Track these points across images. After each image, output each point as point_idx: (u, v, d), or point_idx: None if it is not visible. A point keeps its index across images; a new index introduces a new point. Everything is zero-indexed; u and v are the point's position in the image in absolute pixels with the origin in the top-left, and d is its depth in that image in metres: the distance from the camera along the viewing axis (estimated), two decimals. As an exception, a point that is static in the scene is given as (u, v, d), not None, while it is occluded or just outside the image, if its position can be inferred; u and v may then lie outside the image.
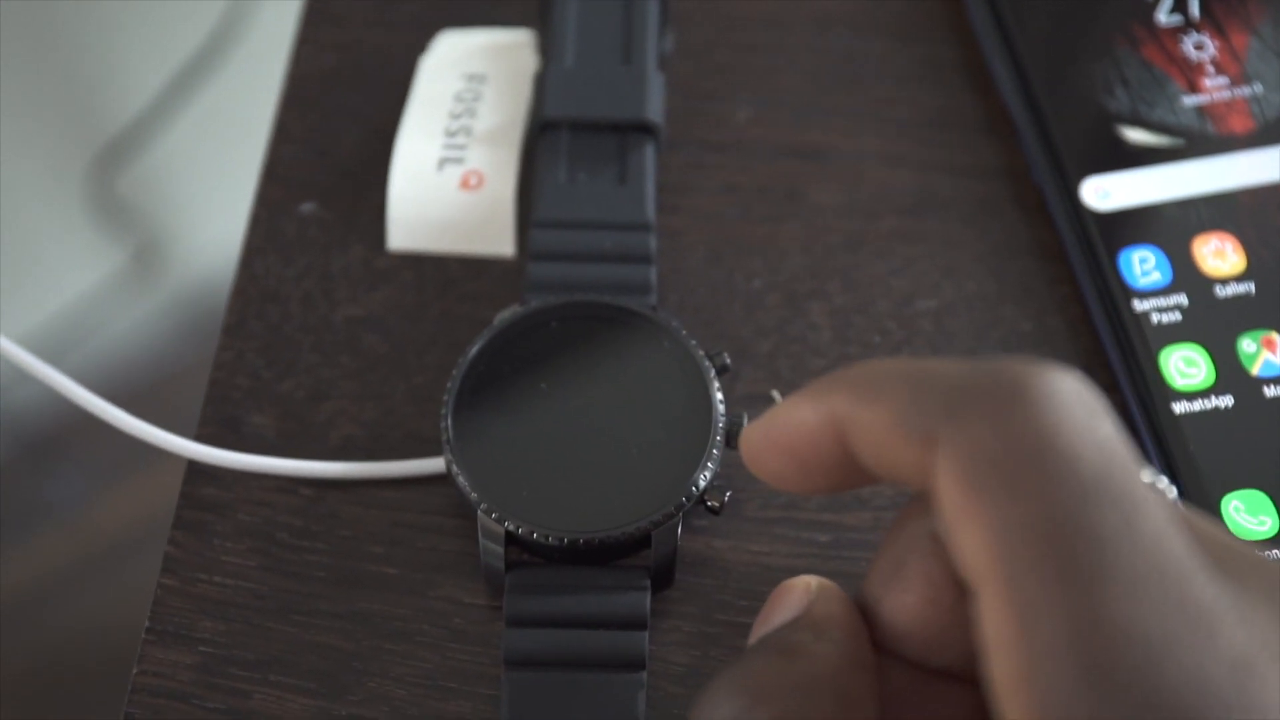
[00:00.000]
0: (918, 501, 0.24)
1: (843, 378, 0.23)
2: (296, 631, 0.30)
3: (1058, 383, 0.20)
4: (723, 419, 0.30)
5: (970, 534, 0.20)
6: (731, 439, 0.30)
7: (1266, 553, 0.29)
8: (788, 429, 0.23)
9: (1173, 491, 0.24)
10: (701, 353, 0.30)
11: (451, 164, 0.35)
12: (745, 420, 0.30)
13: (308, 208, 0.35)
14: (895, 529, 0.25)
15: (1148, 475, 0.20)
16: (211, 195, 0.98)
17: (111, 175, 0.92)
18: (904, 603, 0.24)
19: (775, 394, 0.27)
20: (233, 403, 0.33)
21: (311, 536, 0.31)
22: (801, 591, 0.23)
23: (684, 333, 0.31)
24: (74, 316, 1.00)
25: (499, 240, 0.34)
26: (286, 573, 0.31)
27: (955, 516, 0.20)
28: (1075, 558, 0.19)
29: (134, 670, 0.29)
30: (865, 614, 0.25)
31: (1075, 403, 0.20)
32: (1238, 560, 0.21)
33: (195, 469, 0.32)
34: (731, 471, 0.31)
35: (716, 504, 0.29)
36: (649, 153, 0.34)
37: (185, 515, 0.31)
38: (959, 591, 0.24)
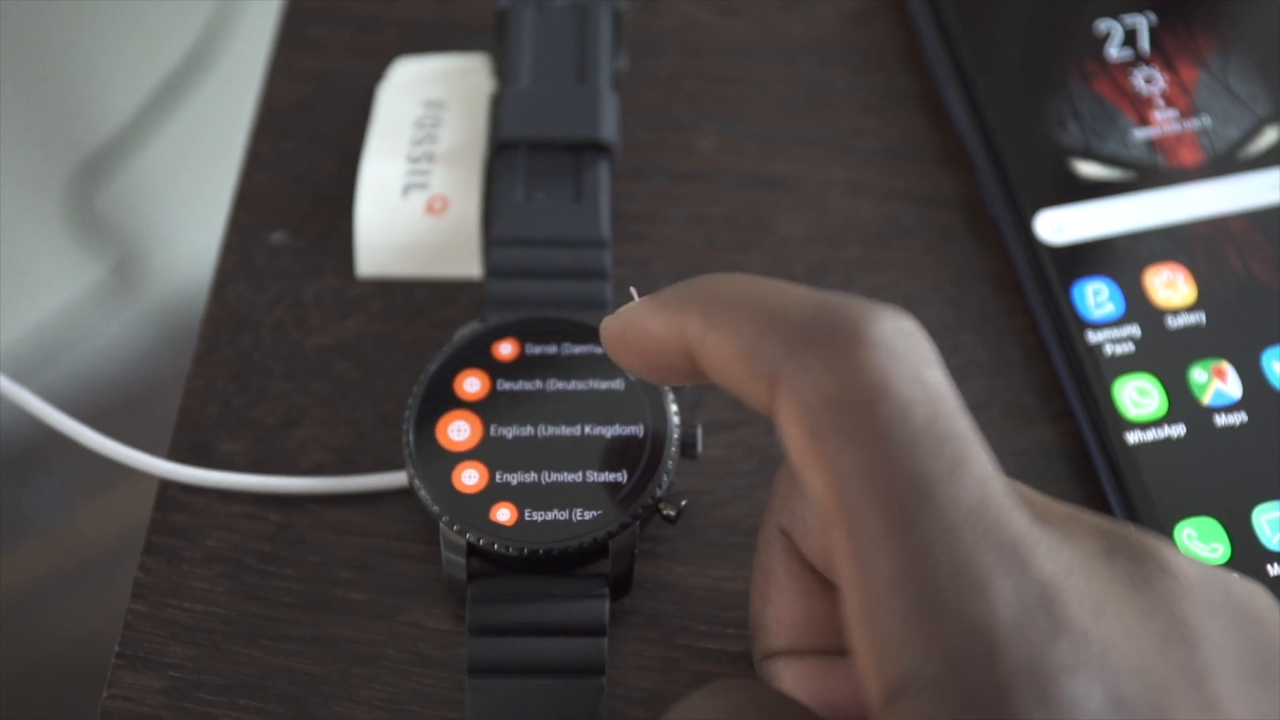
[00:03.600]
0: (769, 508, 0.26)
1: (694, 295, 0.24)
2: (265, 656, 0.30)
3: (892, 328, 0.21)
4: (677, 430, 0.30)
5: (814, 479, 0.21)
6: (686, 450, 0.30)
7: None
8: (641, 334, 0.25)
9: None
10: None
11: (416, 189, 0.35)
12: (699, 432, 0.31)
13: (278, 237, 0.36)
14: (759, 539, 0.26)
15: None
16: (191, 211, 0.98)
17: (90, 191, 0.92)
18: (783, 605, 0.26)
19: (633, 290, 0.29)
20: (204, 429, 0.33)
21: (280, 562, 0.31)
22: None
23: None
24: (53, 331, 1.00)
25: (466, 262, 0.35)
26: (255, 598, 0.31)
27: (800, 460, 0.22)
28: (902, 500, 0.20)
29: (104, 694, 0.30)
30: (757, 632, 0.26)
31: (907, 349, 0.21)
32: (1054, 511, 0.23)
33: (166, 496, 0.32)
34: (687, 482, 0.31)
35: (672, 513, 0.30)
36: (604, 171, 0.35)
37: (155, 541, 0.32)
38: (822, 579, 0.25)
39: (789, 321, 0.22)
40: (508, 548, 0.29)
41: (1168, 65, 0.37)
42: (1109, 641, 0.20)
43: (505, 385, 0.31)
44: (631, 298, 0.26)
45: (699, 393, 0.34)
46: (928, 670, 0.19)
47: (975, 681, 0.19)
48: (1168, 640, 0.21)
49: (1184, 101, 0.36)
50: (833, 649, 0.26)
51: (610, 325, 0.26)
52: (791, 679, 0.26)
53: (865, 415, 0.21)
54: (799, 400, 0.21)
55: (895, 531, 0.20)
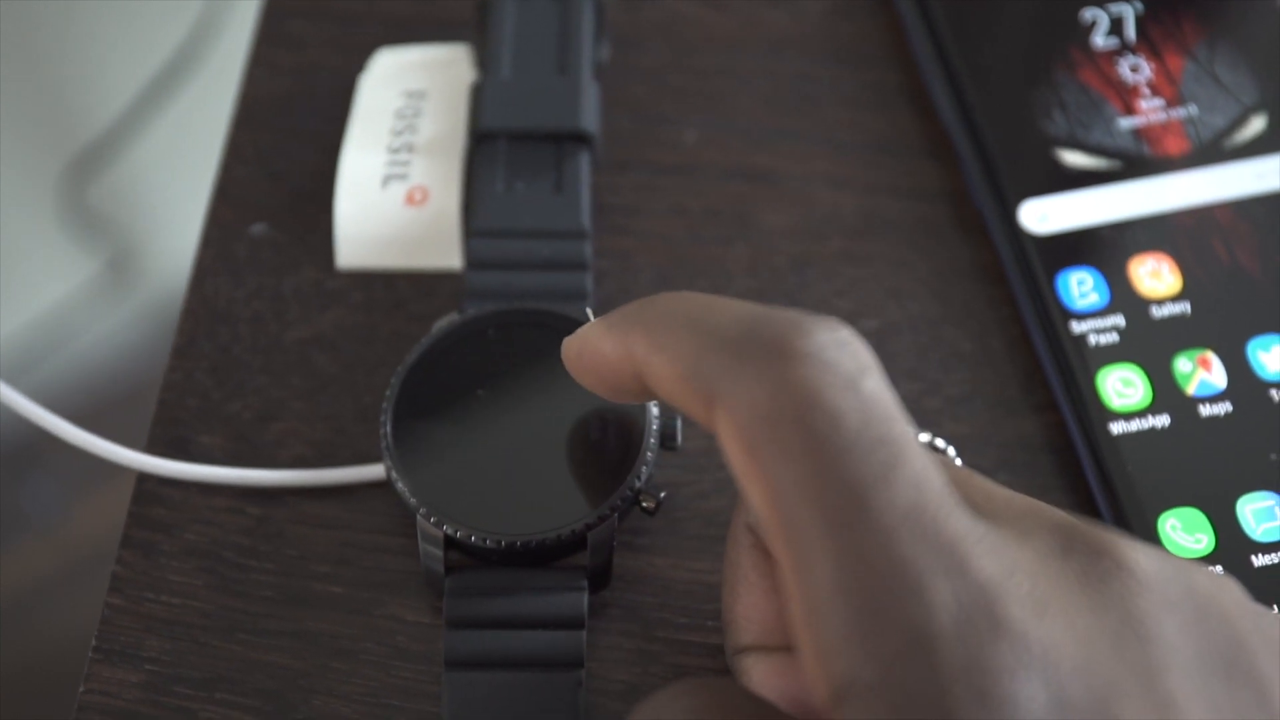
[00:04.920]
0: (738, 506, 0.26)
1: (639, 317, 0.24)
2: (243, 650, 0.30)
3: (824, 339, 0.22)
4: (656, 422, 0.30)
5: (753, 493, 0.21)
6: (665, 442, 0.30)
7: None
8: (594, 356, 0.25)
9: (950, 451, 0.25)
10: None
11: (396, 180, 0.35)
12: (679, 424, 0.30)
13: (259, 229, 0.36)
14: (728, 535, 0.27)
15: (915, 432, 0.22)
16: (183, 205, 0.98)
17: (82, 187, 0.92)
18: (750, 601, 0.26)
19: (589, 310, 0.29)
20: (182, 423, 0.33)
21: (258, 556, 0.31)
22: None
23: None
24: (46, 326, 1.00)
25: (446, 254, 0.35)
26: (233, 592, 0.31)
27: (740, 475, 0.22)
28: (836, 507, 0.20)
29: (81, 689, 0.30)
30: (727, 627, 0.27)
31: (838, 359, 0.21)
32: (1012, 506, 0.23)
33: (144, 490, 0.32)
34: (666, 474, 0.31)
35: (651, 505, 0.30)
36: (584, 161, 0.35)
37: (133, 535, 0.32)
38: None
39: (725, 339, 0.22)
40: (485, 540, 0.29)
41: (1154, 54, 0.37)
42: (1051, 642, 0.20)
43: (483, 377, 0.31)
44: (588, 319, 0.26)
45: (680, 385, 0.33)
46: (866, 674, 0.19)
47: (914, 684, 0.19)
48: (1119, 638, 0.21)
49: (1170, 90, 0.36)
50: None
51: (569, 345, 0.26)
52: (760, 675, 0.26)
53: (797, 427, 0.21)
54: (734, 417, 0.22)
55: (831, 538, 0.20)
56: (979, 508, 0.23)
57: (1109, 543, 0.22)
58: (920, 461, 0.21)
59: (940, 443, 0.25)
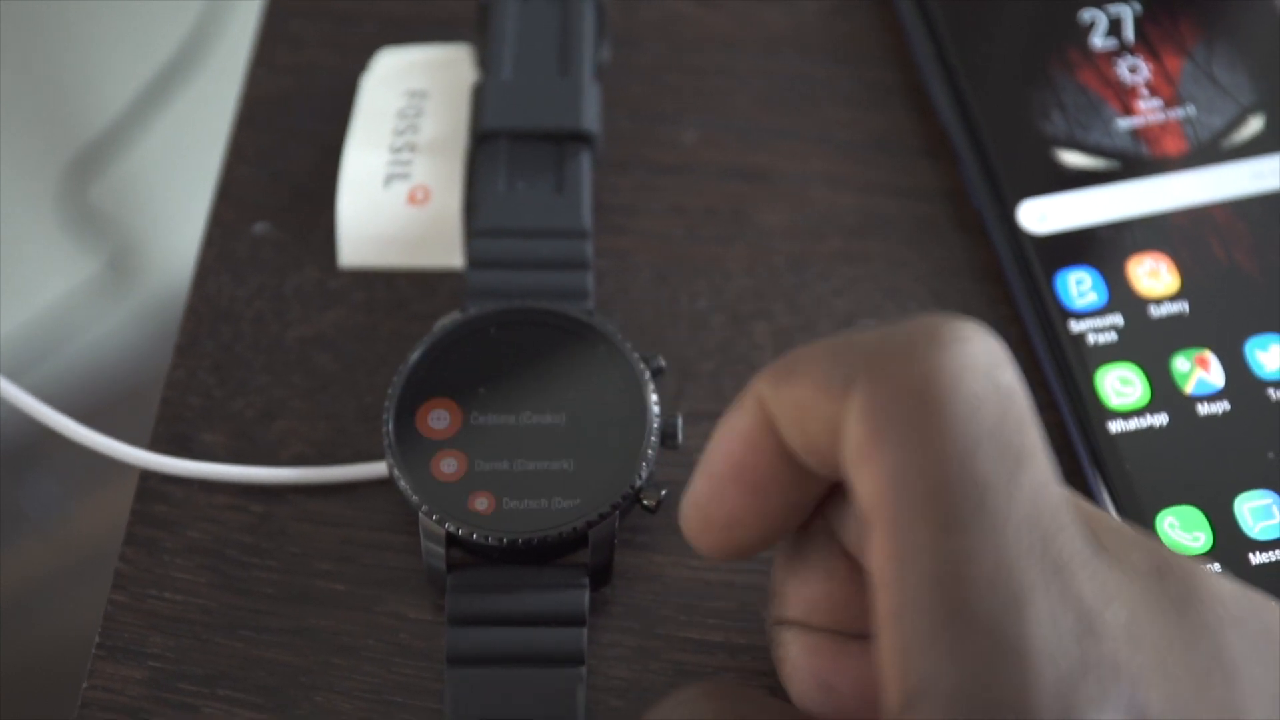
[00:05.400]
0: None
1: (759, 375, 0.23)
2: (245, 647, 0.30)
3: (966, 333, 0.21)
4: (657, 420, 0.30)
5: (866, 476, 0.21)
6: (666, 440, 0.30)
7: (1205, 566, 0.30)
8: (727, 443, 0.24)
9: None
10: (636, 356, 0.31)
11: (398, 180, 0.35)
12: (680, 422, 0.30)
13: (261, 228, 0.36)
14: (798, 532, 0.26)
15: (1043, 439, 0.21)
16: (185, 204, 0.98)
17: (84, 186, 0.93)
18: (806, 578, 0.26)
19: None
20: (184, 421, 0.33)
21: (261, 553, 0.31)
22: None
23: (619, 337, 0.31)
24: (47, 325, 1.00)
25: (448, 253, 0.35)
26: (236, 589, 0.31)
27: (855, 459, 0.21)
28: (954, 503, 0.20)
29: (84, 685, 0.30)
30: (774, 596, 0.26)
31: (980, 351, 0.21)
32: (1111, 530, 0.22)
33: (146, 487, 0.32)
34: (667, 472, 0.31)
35: (652, 503, 0.30)
36: (585, 161, 0.35)
37: (136, 532, 0.32)
38: (850, 563, 0.25)
39: (864, 343, 0.22)
40: (486, 537, 0.29)
41: (1152, 55, 0.37)
42: (1141, 675, 0.20)
43: (485, 375, 0.31)
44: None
45: (680, 383, 0.34)
46: (948, 677, 0.19)
47: (995, 698, 0.19)
48: (1207, 675, 0.20)
49: (1168, 91, 0.36)
50: (844, 630, 0.26)
51: (687, 506, 0.25)
52: (798, 651, 0.25)
53: (931, 412, 0.20)
54: (866, 401, 0.21)
55: (942, 532, 0.20)
56: (1088, 530, 0.22)
57: (1199, 574, 0.22)
58: (1045, 472, 0.20)
59: None
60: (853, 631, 0.25)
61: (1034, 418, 0.21)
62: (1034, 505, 0.20)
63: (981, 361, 0.21)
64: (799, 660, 0.26)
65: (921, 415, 0.20)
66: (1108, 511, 0.31)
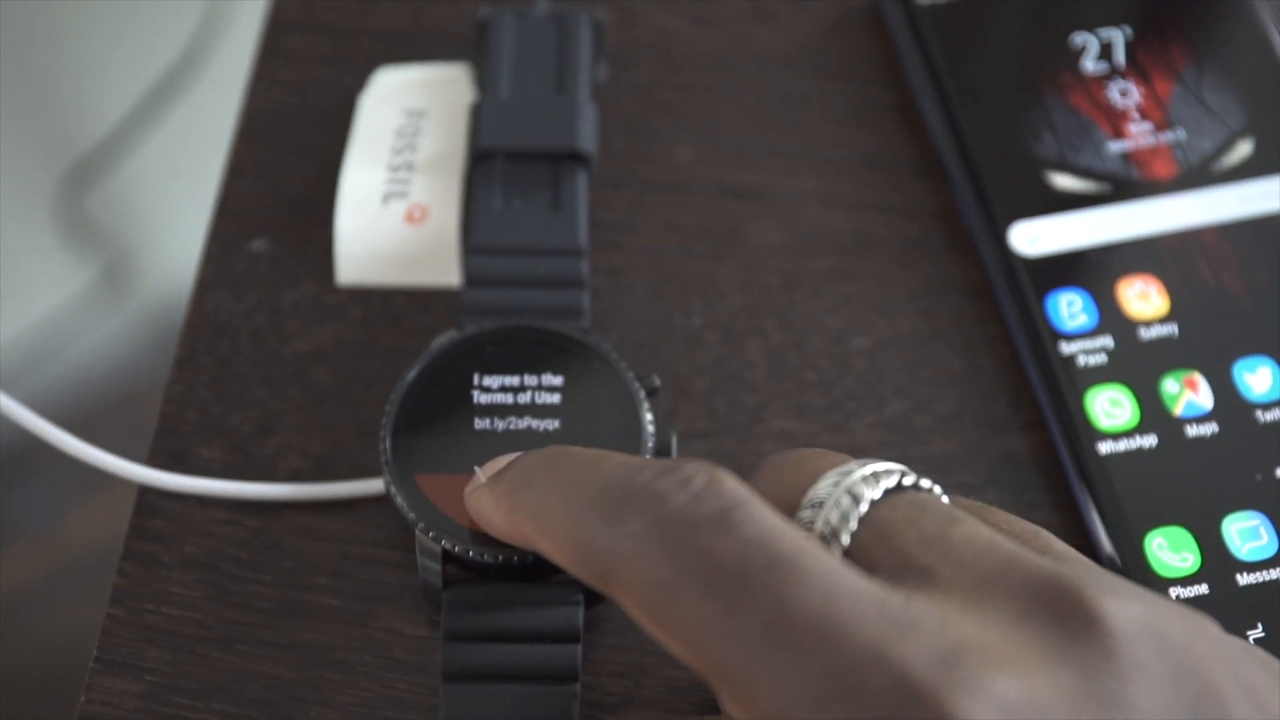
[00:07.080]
0: None
1: (518, 495, 0.26)
2: (241, 661, 0.31)
3: (682, 495, 0.23)
4: (652, 439, 0.31)
5: (676, 652, 0.23)
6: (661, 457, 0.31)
7: (1189, 589, 0.31)
8: (490, 528, 0.28)
9: (936, 489, 0.25)
10: (631, 374, 0.31)
11: (396, 198, 0.35)
12: (675, 440, 0.31)
13: (258, 245, 0.36)
14: None
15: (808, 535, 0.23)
16: (179, 216, 0.99)
17: (79, 196, 0.93)
18: None
19: (477, 469, 0.30)
20: (182, 435, 0.33)
21: (256, 568, 0.32)
22: None
23: (614, 355, 0.32)
24: (41, 336, 1.00)
25: (445, 271, 0.35)
26: (232, 603, 0.31)
27: (655, 635, 0.23)
28: (753, 640, 0.22)
29: (81, 699, 0.30)
30: None
31: (701, 508, 0.23)
32: (975, 563, 0.23)
33: (144, 502, 0.32)
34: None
35: None
36: (581, 180, 0.35)
37: (133, 546, 0.32)
38: None
39: (600, 518, 0.24)
40: (483, 554, 0.29)
41: (1143, 78, 0.37)
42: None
43: (481, 393, 0.31)
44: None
45: (675, 401, 0.34)
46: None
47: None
48: (1085, 704, 0.21)
49: (1158, 115, 0.37)
50: None
51: (469, 502, 0.28)
52: None
53: (685, 587, 0.22)
54: (630, 597, 0.23)
55: (759, 669, 0.21)
56: (942, 565, 0.23)
57: (1080, 601, 0.22)
58: (820, 565, 0.22)
59: (926, 483, 0.25)
60: None
61: (787, 526, 0.23)
62: (823, 600, 0.22)
63: (706, 519, 0.23)
64: None
65: (679, 597, 0.22)
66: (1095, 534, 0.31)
